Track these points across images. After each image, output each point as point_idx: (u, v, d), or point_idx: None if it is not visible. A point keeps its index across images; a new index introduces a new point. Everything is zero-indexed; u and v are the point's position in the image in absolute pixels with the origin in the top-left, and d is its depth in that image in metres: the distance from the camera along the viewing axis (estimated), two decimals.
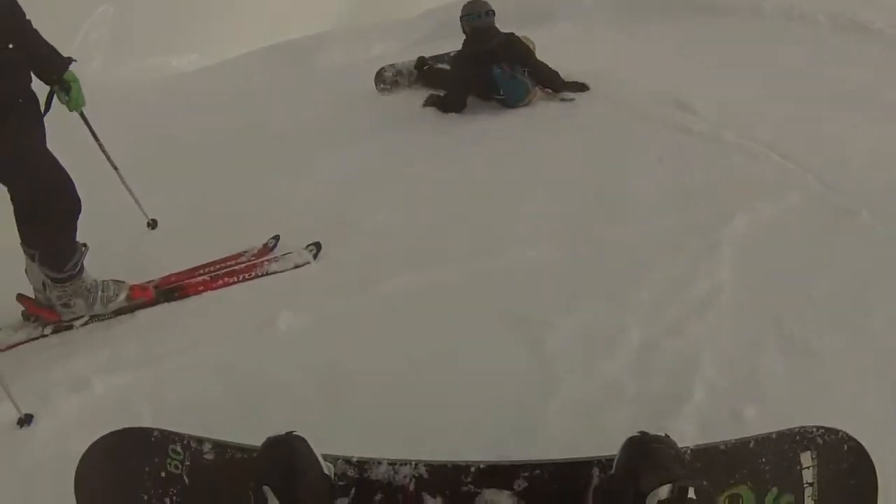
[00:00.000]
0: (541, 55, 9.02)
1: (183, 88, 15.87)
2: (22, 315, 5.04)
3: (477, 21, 8.60)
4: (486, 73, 8.40)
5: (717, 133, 6.71)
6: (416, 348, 4.09)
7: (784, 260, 4.62)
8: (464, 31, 8.87)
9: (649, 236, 5.03)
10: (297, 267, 5.30)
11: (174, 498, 2.96)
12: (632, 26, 12.80)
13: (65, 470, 3.09)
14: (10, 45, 4.31)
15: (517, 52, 8.68)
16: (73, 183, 4.55)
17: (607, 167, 6.42)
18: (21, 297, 4.99)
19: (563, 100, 8.49)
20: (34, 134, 4.44)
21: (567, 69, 9.00)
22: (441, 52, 10.64)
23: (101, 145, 5.83)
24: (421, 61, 10.19)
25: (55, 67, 4.72)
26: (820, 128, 6.70)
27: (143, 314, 4.98)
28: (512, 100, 8.45)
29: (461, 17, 8.84)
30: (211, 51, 33.00)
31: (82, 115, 5.44)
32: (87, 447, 3.06)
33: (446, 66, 9.98)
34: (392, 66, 10.21)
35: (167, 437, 3.03)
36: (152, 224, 6.33)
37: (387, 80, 10.08)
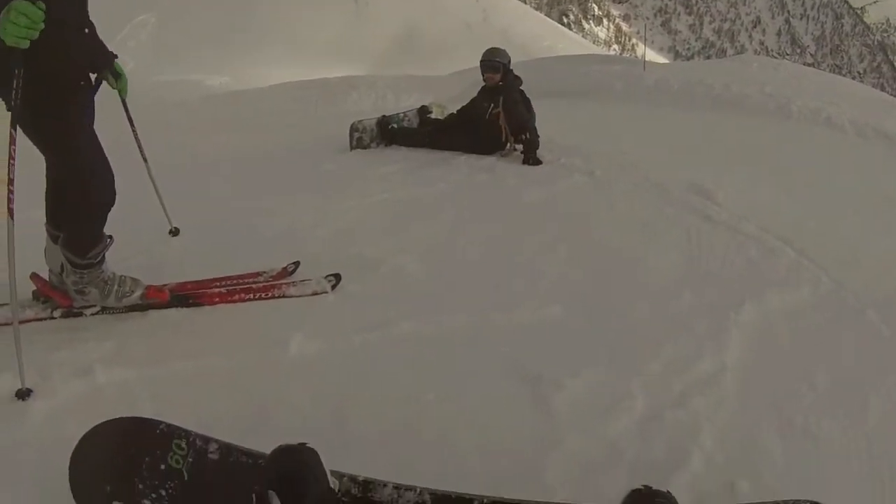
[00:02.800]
0: (582, 129, 9.54)
1: (214, 107, 16.00)
2: (32, 294, 5.07)
3: None
4: None
5: (737, 224, 6.84)
6: (424, 390, 4.12)
7: (789, 348, 4.70)
8: (515, 76, 9.88)
9: (662, 312, 5.11)
10: (314, 294, 5.33)
11: (170, 491, 2.99)
12: (662, 115, 12.95)
13: (54, 450, 3.15)
14: (87, 31, 4.52)
15: None
16: (113, 175, 4.63)
17: (629, 242, 6.56)
18: (34, 277, 5.02)
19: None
20: (90, 118, 4.54)
21: (597, 146, 9.22)
22: (398, 111, 11.21)
23: (136, 134, 5.99)
24: (385, 120, 10.83)
25: (108, 56, 4.96)
26: (837, 229, 6.85)
27: (155, 314, 5.01)
28: None
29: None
30: (244, 77, 33.31)
31: (124, 103, 5.63)
32: (80, 433, 3.10)
33: (411, 125, 10.98)
34: (360, 121, 10.63)
35: (174, 431, 3.09)
36: (174, 231, 6.43)
37: (353, 138, 10.52)
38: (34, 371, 4.14)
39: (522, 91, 10.21)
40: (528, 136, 9.64)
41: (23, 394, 4.00)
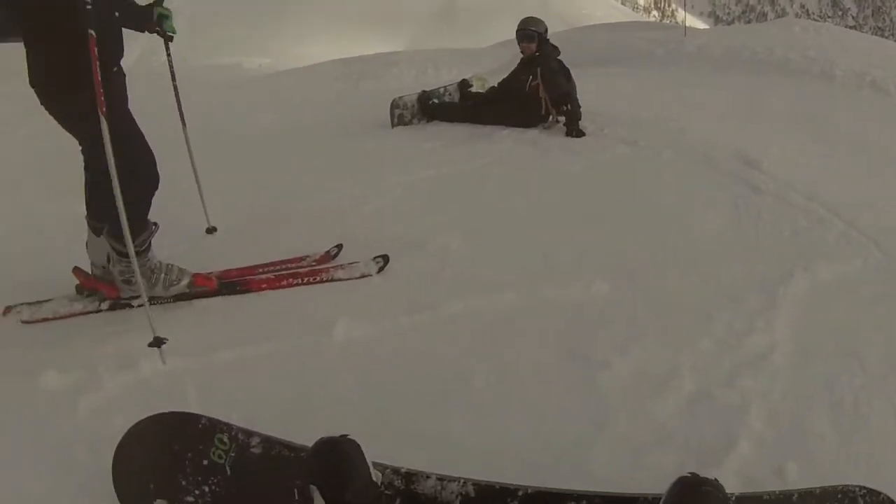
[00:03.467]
0: (622, 100, 9.54)
1: (254, 89, 16.04)
2: (76, 288, 5.09)
3: None
4: None
5: (784, 193, 6.75)
6: (472, 371, 4.11)
7: (839, 323, 4.60)
8: (552, 46, 9.93)
9: (710, 286, 5.05)
10: (362, 277, 5.31)
11: (213, 487, 2.99)
12: (708, 79, 12.81)
13: (101, 445, 3.19)
14: (117, 14, 4.54)
15: None
16: (155, 159, 4.67)
17: (676, 212, 6.51)
18: (77, 271, 5.05)
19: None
20: (126, 102, 4.58)
21: (640, 114, 9.17)
22: (439, 86, 11.18)
23: (177, 93, 6.00)
24: (425, 96, 10.84)
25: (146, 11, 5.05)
26: (885, 197, 6.71)
27: (200, 303, 5.04)
28: None
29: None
30: (283, 57, 33.34)
31: (167, 46, 5.66)
32: (126, 426, 3.12)
33: (452, 100, 10.92)
34: (401, 98, 10.59)
35: (215, 425, 3.09)
36: (211, 230, 6.36)
37: (395, 115, 10.48)
38: (79, 366, 4.19)
39: (561, 61, 10.11)
40: (569, 107, 9.55)
41: (156, 342, 4.16)
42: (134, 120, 4.62)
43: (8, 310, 5.01)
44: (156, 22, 5.16)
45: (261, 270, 5.47)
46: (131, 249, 4.27)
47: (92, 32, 3.93)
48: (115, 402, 3.91)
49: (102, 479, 3.08)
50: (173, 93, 6.06)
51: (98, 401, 3.94)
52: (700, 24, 58.67)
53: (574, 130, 9.35)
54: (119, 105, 4.49)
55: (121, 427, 3.14)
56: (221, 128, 10.50)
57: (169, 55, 5.80)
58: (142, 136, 4.64)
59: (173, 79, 6.02)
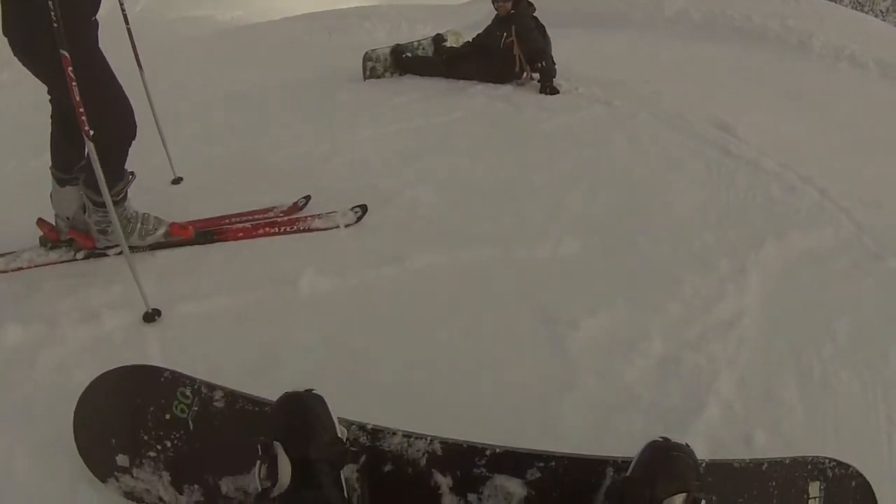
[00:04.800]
0: (598, 60, 9.56)
1: (225, 42, 15.92)
2: (40, 240, 5.06)
3: None
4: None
5: (757, 159, 6.73)
6: (438, 327, 4.09)
7: (809, 293, 4.62)
8: (528, 3, 9.87)
9: (681, 250, 5.04)
10: (341, 227, 5.29)
11: (175, 442, 2.93)
12: (685, 44, 12.81)
13: (62, 401, 3.12)
14: None
15: None
16: (131, 107, 4.58)
17: (649, 175, 6.50)
18: (41, 222, 5.01)
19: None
20: (100, 52, 4.48)
21: (616, 75, 9.16)
22: (412, 41, 11.21)
23: (130, 35, 5.87)
24: (399, 49, 10.82)
25: None
26: (859, 170, 6.73)
27: (165, 254, 4.99)
28: None
29: None
30: (255, 10, 33.10)
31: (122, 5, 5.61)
32: (87, 380, 3.07)
33: (426, 54, 10.94)
34: (374, 51, 10.56)
35: (178, 378, 3.02)
36: (177, 181, 6.33)
37: (367, 67, 10.43)
38: (41, 319, 4.17)
39: (536, 18, 10.05)
40: (544, 64, 9.53)
41: (150, 316, 4.17)
42: (110, 70, 4.51)
43: None
44: None
45: (227, 221, 5.43)
46: (108, 199, 4.21)
47: (65, 53, 3.88)
48: (76, 357, 3.88)
49: (63, 435, 3.05)
50: (128, 38, 5.92)
51: (59, 355, 3.90)
52: None
53: (548, 87, 9.34)
54: (93, 59, 4.40)
55: (81, 382, 3.09)
56: (189, 81, 10.42)
57: (122, 3, 5.67)
58: (118, 85, 4.53)
59: (126, 22, 5.87)
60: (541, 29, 9.96)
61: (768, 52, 12.43)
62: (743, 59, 11.89)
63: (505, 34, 9.83)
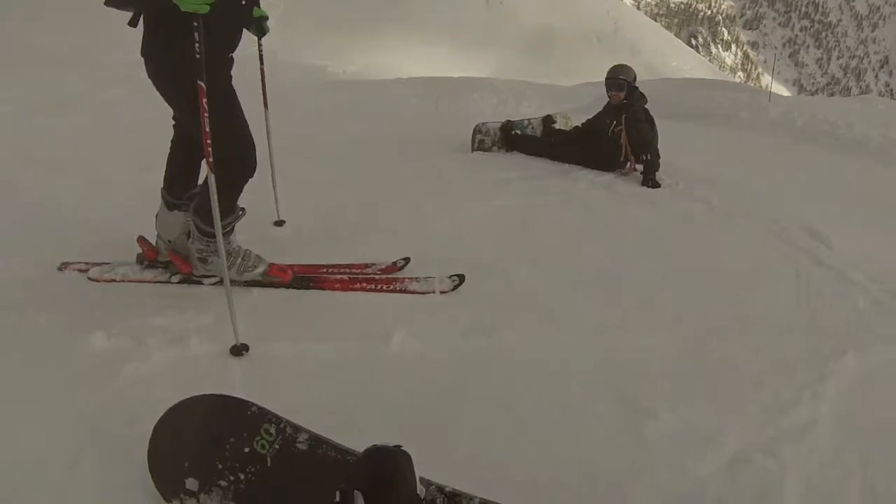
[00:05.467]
0: (702, 157, 9.65)
1: (338, 93, 16.18)
2: (137, 257, 5.23)
3: None
4: None
5: (847, 270, 6.75)
6: (522, 402, 4.18)
7: (884, 407, 4.62)
8: (640, 94, 10.02)
9: (764, 353, 5.07)
10: (439, 293, 5.39)
11: (250, 476, 3.00)
12: (784, 148, 12.87)
13: (137, 415, 3.31)
14: (244, 1, 4.71)
15: None
16: (254, 144, 4.78)
17: (740, 275, 6.55)
18: (141, 240, 5.19)
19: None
20: (232, 88, 4.72)
21: (717, 173, 9.26)
22: (522, 118, 11.29)
23: (262, 74, 6.22)
24: (509, 125, 10.93)
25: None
26: None
27: (258, 292, 5.14)
28: None
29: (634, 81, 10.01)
30: (367, 66, 33.57)
31: (260, 46, 6.05)
32: (166, 399, 3.18)
33: (534, 133, 11.03)
34: (484, 124, 10.75)
35: (265, 414, 3.11)
36: (280, 223, 6.53)
37: (476, 139, 10.63)
38: (129, 335, 4.32)
39: (647, 110, 10.20)
40: (649, 156, 9.64)
41: (238, 349, 4.27)
42: (239, 107, 4.73)
43: (65, 266, 5.23)
44: (253, 21, 5.34)
45: (325, 270, 5.55)
46: (219, 230, 4.38)
47: (202, 84, 4.08)
48: (158, 375, 4.04)
49: (133, 450, 3.18)
50: (260, 77, 6.23)
51: (142, 370, 4.07)
52: (784, 91, 58.30)
53: (650, 180, 9.43)
54: (226, 93, 4.64)
55: (161, 399, 3.21)
56: (299, 128, 10.73)
57: (260, 45, 6.04)
58: (245, 123, 4.73)
59: (261, 62, 6.22)
60: (650, 121, 10.08)
61: (868, 161, 12.42)
62: (842, 168, 11.89)
63: (615, 122, 9.99)
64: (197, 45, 4.01)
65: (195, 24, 3.97)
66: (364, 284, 5.39)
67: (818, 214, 8.37)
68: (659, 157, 9.71)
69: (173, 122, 5.01)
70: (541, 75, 28.91)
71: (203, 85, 4.09)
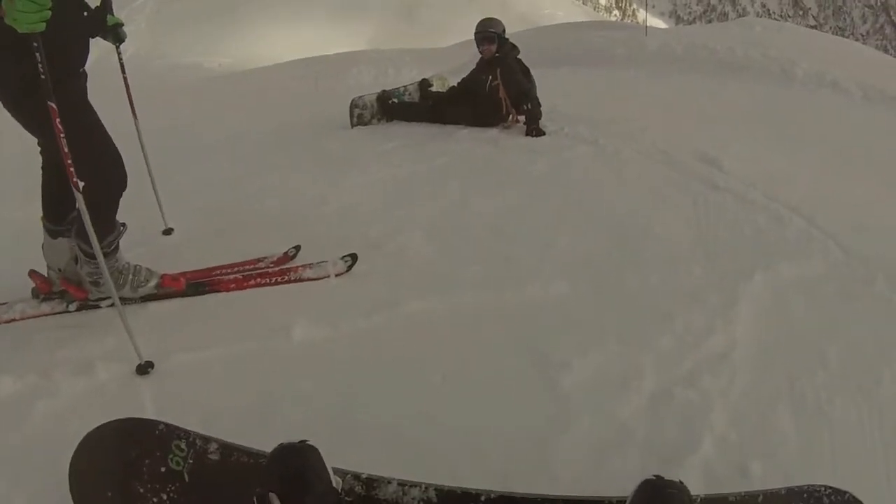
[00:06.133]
0: (585, 97, 9.65)
1: (213, 89, 16.03)
2: (32, 292, 5.06)
3: None
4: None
5: (743, 192, 6.76)
6: (431, 372, 4.09)
7: (800, 322, 4.61)
8: (511, 45, 9.93)
9: (671, 285, 5.05)
10: (334, 276, 5.31)
11: (171, 495, 2.93)
12: (666, 80, 12.93)
13: (58, 452, 3.10)
14: (85, 13, 4.58)
15: None
16: (121, 157, 4.62)
17: (636, 211, 6.52)
18: (33, 274, 5.00)
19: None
20: (87, 104, 4.54)
21: (601, 113, 9.23)
22: (398, 86, 11.20)
23: (126, 84, 6.01)
24: (385, 95, 10.86)
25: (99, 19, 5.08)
26: (845, 195, 6.79)
27: (157, 305, 4.99)
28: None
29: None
30: (242, 56, 33.35)
31: (119, 55, 5.83)
32: (82, 432, 3.05)
33: (412, 99, 10.91)
34: (360, 97, 10.63)
35: (172, 431, 3.04)
36: (168, 232, 6.35)
37: (354, 114, 10.50)
38: (34, 371, 4.16)
39: (520, 60, 10.14)
40: (529, 106, 9.57)
41: (143, 368, 4.16)
42: (98, 121, 4.57)
43: None
44: (108, 29, 5.24)
45: (218, 272, 5.44)
46: (98, 251, 4.24)
47: (52, 105, 3.90)
48: (70, 409, 3.87)
49: (58, 487, 3.02)
50: (124, 86, 6.03)
51: (53, 406, 3.89)
52: (661, 24, 58.89)
53: (534, 130, 9.36)
54: (81, 109, 4.46)
55: (77, 433, 3.08)
56: (177, 129, 10.52)
57: (119, 53, 5.81)
58: (107, 136, 4.58)
59: (123, 71, 5.99)
60: (525, 71, 10.03)
61: (751, 82, 12.55)
62: (726, 91, 12.02)
63: (490, 77, 9.91)
64: (40, 65, 3.83)
65: (35, 44, 3.78)
66: (258, 280, 5.29)
67: (707, 140, 8.41)
68: (540, 105, 9.65)
69: (40, 149, 4.80)
70: (417, 39, 28.82)
71: (54, 105, 3.92)
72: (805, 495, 2.81)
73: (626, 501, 2.53)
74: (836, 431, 3.60)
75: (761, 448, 3.45)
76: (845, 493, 2.83)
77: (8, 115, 4.38)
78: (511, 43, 10.13)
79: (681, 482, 2.48)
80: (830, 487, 2.83)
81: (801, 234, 5.88)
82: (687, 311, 4.69)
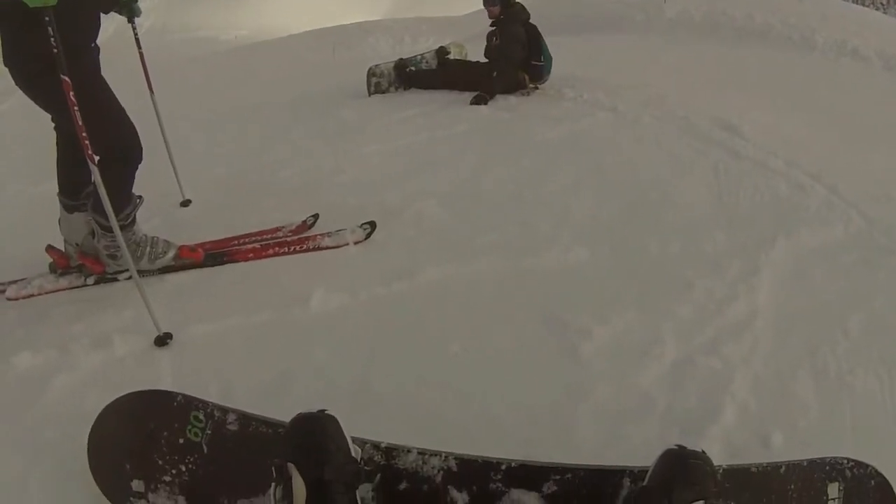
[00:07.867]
0: (604, 64, 9.58)
1: (230, 61, 15.98)
2: (49, 267, 5.06)
3: None
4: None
5: (765, 159, 6.72)
6: (450, 340, 4.05)
7: (822, 291, 4.58)
8: (520, 7, 9.67)
9: (692, 253, 5.02)
10: (353, 244, 5.28)
11: (190, 466, 2.91)
12: (688, 45, 12.82)
13: (76, 425, 3.11)
14: None
15: None
16: (136, 130, 4.60)
17: (656, 178, 6.48)
18: (50, 249, 5.00)
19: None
20: (100, 78, 4.50)
21: (619, 80, 9.16)
22: (416, 54, 11.12)
23: (142, 58, 5.96)
24: (402, 63, 10.82)
25: None
26: (866, 164, 6.73)
27: (175, 277, 4.97)
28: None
29: None
30: (258, 28, 33.24)
31: (134, 29, 5.72)
32: (100, 405, 3.04)
33: (430, 67, 10.80)
34: (377, 66, 10.58)
35: (191, 402, 3.01)
36: (186, 203, 6.32)
37: (371, 83, 10.45)
38: (52, 346, 4.14)
39: (534, 25, 9.97)
40: (496, 74, 9.62)
41: (161, 340, 4.15)
42: (112, 94, 4.52)
43: None
44: (123, 4, 5.19)
45: (236, 242, 5.42)
46: (115, 225, 4.21)
47: (65, 78, 3.86)
48: (88, 382, 3.85)
49: (77, 460, 3.02)
50: (140, 61, 5.99)
51: (71, 380, 3.88)
52: None
53: (477, 96, 9.41)
54: (95, 83, 4.43)
55: (94, 407, 3.07)
56: (195, 101, 10.50)
57: (134, 27, 5.74)
58: (121, 109, 4.55)
59: (139, 46, 5.94)
60: (535, 35, 9.90)
61: (771, 49, 12.48)
62: (746, 59, 11.93)
63: (494, 40, 9.89)
64: (52, 39, 3.79)
65: (46, 18, 3.74)
66: (277, 249, 5.25)
67: (728, 107, 8.35)
68: (505, 76, 9.70)
69: (54, 125, 4.79)
70: (433, 7, 28.62)
71: (67, 79, 3.88)
72: (828, 468, 2.78)
73: (647, 471, 2.50)
74: (858, 402, 3.56)
75: (782, 418, 3.42)
76: (868, 465, 2.81)
77: (21, 93, 4.36)
78: (521, 6, 10.01)
79: (703, 452, 2.45)
80: (853, 460, 2.80)
81: (822, 202, 5.83)
82: (708, 278, 4.66)
